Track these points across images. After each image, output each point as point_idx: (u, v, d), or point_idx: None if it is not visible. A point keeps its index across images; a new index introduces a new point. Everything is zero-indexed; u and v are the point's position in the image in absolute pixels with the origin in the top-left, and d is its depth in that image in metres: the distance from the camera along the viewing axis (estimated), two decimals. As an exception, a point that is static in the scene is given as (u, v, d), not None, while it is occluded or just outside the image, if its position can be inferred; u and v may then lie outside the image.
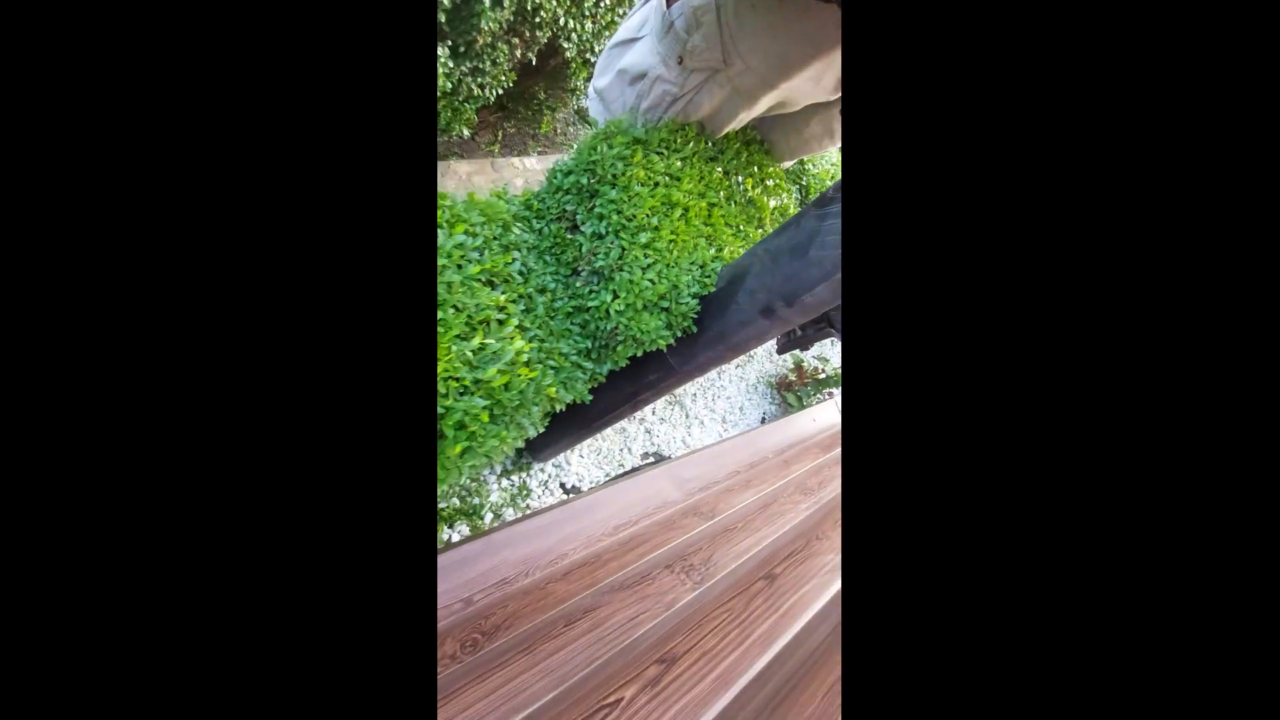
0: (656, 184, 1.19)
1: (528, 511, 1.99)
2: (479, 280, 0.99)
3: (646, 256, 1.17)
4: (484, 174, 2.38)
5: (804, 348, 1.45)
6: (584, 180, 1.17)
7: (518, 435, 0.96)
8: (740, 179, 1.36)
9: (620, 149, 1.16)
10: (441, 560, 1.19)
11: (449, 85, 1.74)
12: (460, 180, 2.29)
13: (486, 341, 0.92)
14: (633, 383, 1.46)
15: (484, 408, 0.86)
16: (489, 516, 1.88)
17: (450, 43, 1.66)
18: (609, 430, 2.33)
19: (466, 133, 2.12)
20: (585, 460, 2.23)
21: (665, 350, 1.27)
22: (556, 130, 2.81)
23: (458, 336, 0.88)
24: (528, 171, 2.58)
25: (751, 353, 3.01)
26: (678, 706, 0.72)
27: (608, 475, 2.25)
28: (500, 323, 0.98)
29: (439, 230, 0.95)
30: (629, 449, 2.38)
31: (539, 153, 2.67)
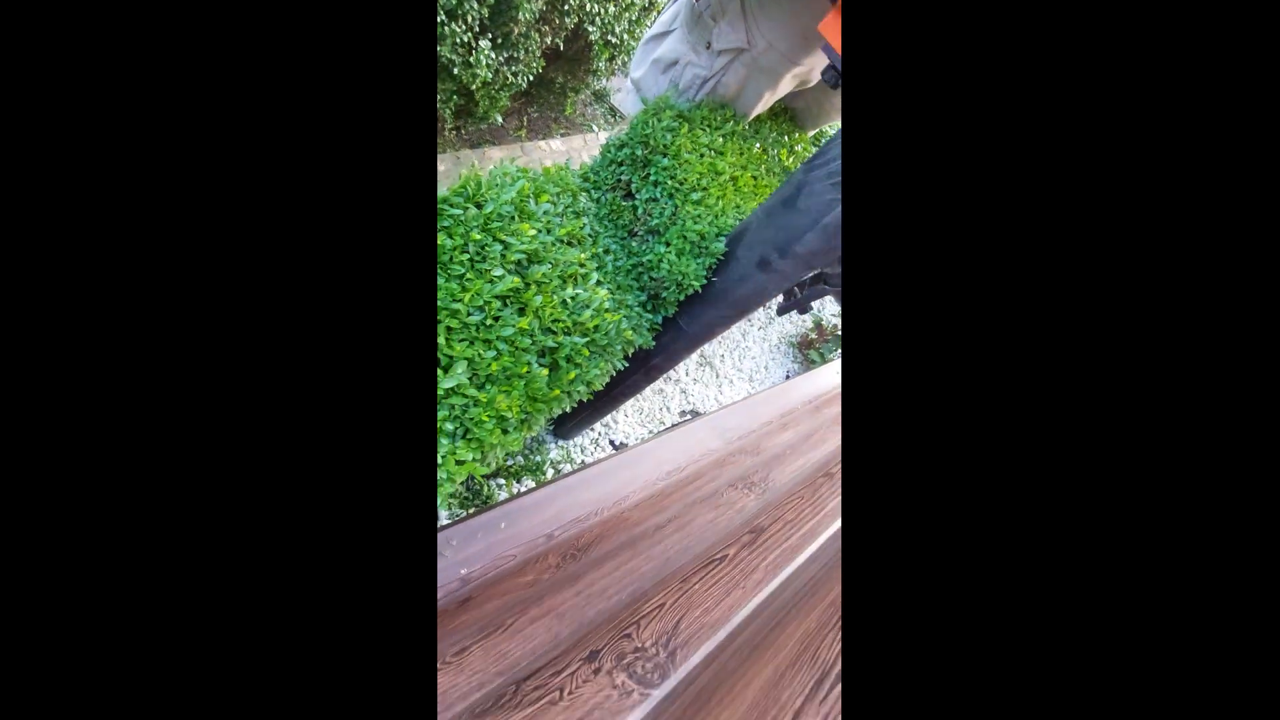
0: (702, 155, 1.34)
1: (584, 464, 2.17)
2: (563, 241, 1.15)
3: (696, 209, 1.32)
4: (516, 158, 2.53)
5: (802, 309, 1.47)
6: (638, 151, 1.32)
7: (607, 370, 1.12)
8: (775, 152, 1.51)
9: (669, 121, 1.31)
10: (517, 505, 1.38)
11: (489, 75, 1.88)
12: (495, 165, 2.44)
13: (577, 292, 1.09)
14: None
15: (584, 343, 1.03)
16: (550, 471, 2.07)
17: (490, 35, 1.80)
18: (648, 391, 2.50)
19: (500, 119, 2.26)
20: (630, 419, 2.41)
21: (697, 291, 1.39)
22: (576, 112, 2.94)
23: (556, 288, 1.05)
24: (554, 153, 2.72)
25: (772, 315, 3.16)
26: (774, 555, 0.89)
27: (651, 432, 2.42)
28: (584, 276, 1.15)
29: (529, 198, 1.11)
30: (668, 408, 2.55)
31: (561, 135, 2.81)
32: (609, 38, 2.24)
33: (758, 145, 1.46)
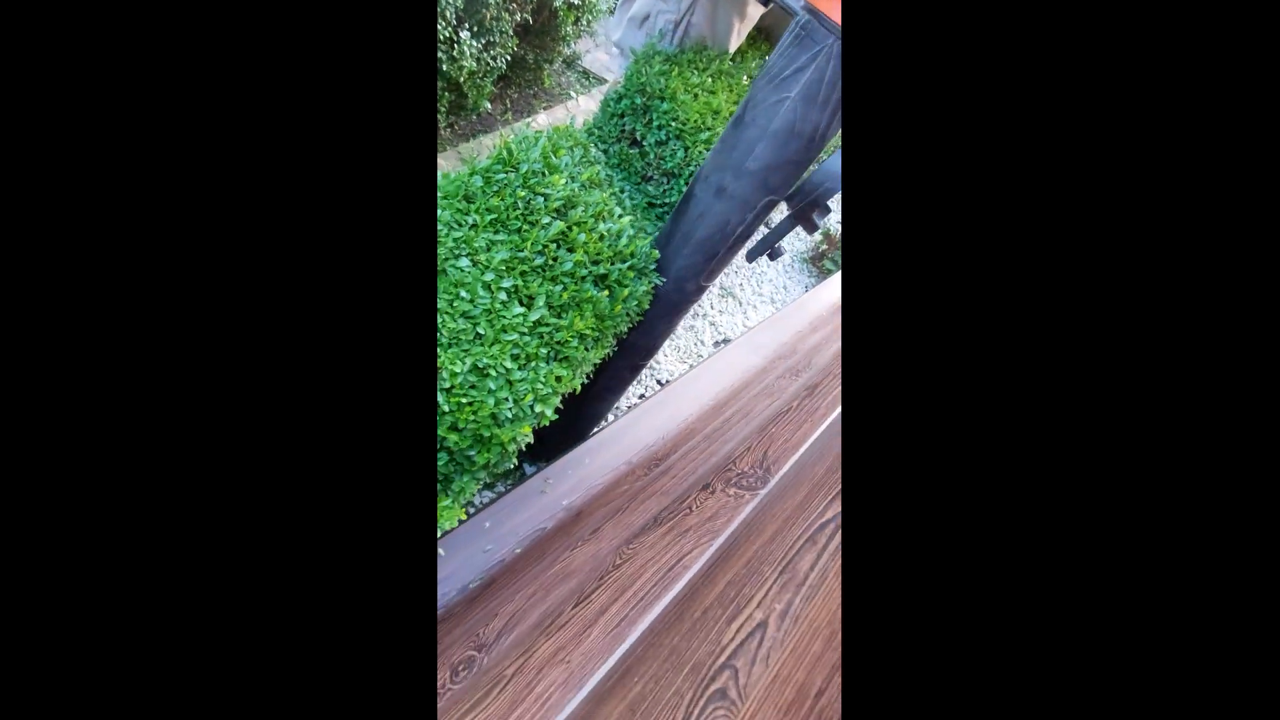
0: (696, 96, 1.45)
1: (641, 398, 2.35)
2: (586, 186, 1.29)
3: (707, 149, 1.44)
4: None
5: (773, 255, 1.41)
6: (637, 100, 1.44)
7: (650, 289, 1.27)
8: (756, 65, 1.61)
9: (659, 66, 1.42)
10: (594, 442, 1.54)
11: (473, 65, 1.99)
12: (491, 153, 2.56)
13: (609, 226, 1.23)
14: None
15: (626, 267, 1.17)
16: (611, 416, 2.25)
17: (468, 25, 1.90)
18: (680, 329, 2.65)
19: (488, 106, 2.37)
20: (669, 358, 2.56)
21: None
22: (552, 83, 3.02)
23: (592, 225, 1.19)
24: (540, 128, 2.83)
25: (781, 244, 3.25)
26: (829, 399, 1.04)
27: (691, 366, 2.58)
28: (609, 212, 1.29)
29: (552, 156, 1.24)
30: (701, 341, 2.70)
31: (544, 109, 2.90)
32: (572, 1, 2.31)
33: (745, 78, 1.57)
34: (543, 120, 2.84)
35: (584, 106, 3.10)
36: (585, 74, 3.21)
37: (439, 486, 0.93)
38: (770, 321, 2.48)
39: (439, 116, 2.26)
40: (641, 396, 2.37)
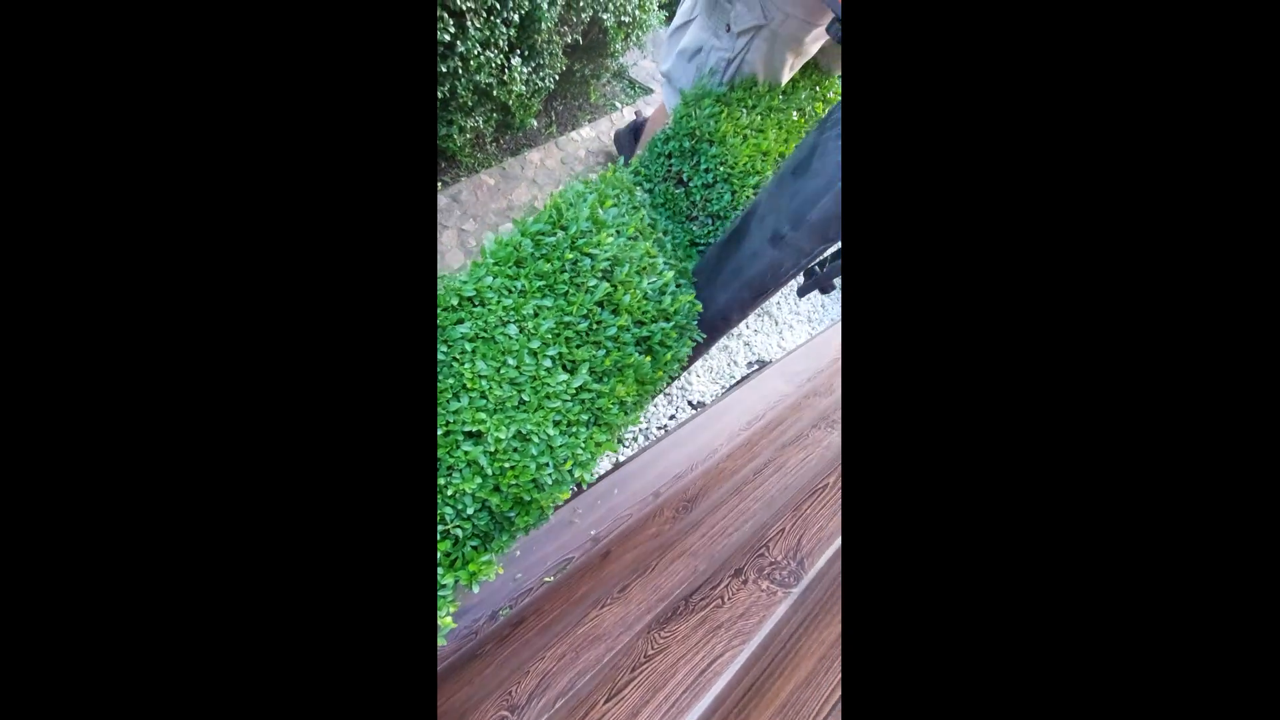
0: (745, 137, 1.44)
1: (669, 427, 2.37)
2: (631, 238, 1.30)
3: (756, 193, 1.43)
4: (552, 155, 2.67)
5: (825, 289, 1.37)
6: (685, 143, 1.43)
7: (690, 345, 1.29)
8: (810, 108, 1.59)
9: (709, 108, 1.42)
10: (623, 472, 1.56)
11: (523, 88, 2.01)
12: (536, 166, 2.59)
13: (652, 280, 1.24)
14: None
15: (671, 328, 1.19)
16: (641, 439, 2.28)
17: (519, 51, 1.92)
18: (714, 349, 2.66)
19: (534, 123, 2.40)
20: (701, 379, 2.58)
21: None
22: (598, 94, 3.02)
23: (636, 283, 1.21)
24: (585, 141, 2.83)
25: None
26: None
27: (723, 388, 2.58)
28: (652, 265, 1.30)
29: (599, 208, 1.26)
30: (735, 362, 2.70)
31: (588, 121, 2.91)
32: (622, 19, 2.31)
33: (795, 113, 1.54)
34: (586, 133, 2.85)
35: (628, 118, 3.09)
36: (632, 84, 3.20)
37: (480, 543, 0.97)
38: (805, 349, 2.46)
39: (486, 134, 2.30)
40: (672, 418, 2.39)
